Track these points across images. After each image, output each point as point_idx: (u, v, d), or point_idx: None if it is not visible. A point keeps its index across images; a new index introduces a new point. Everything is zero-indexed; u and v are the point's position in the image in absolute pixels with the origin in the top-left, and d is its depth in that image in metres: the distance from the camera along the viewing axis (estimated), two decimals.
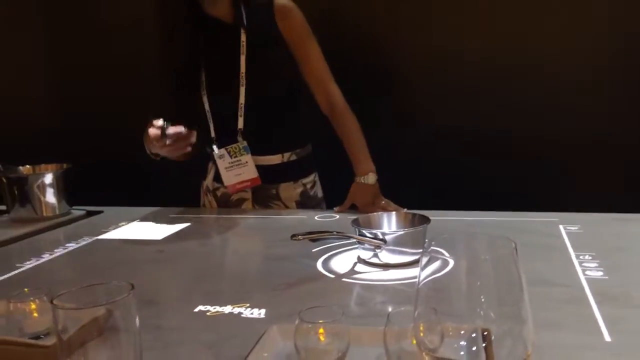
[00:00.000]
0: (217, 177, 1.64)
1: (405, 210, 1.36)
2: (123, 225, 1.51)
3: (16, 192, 1.56)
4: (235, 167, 1.57)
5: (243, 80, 1.51)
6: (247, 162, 1.56)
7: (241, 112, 1.53)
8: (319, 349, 0.65)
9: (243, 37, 1.50)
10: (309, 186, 1.64)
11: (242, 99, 1.52)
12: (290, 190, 1.62)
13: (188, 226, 1.46)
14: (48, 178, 1.58)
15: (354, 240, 1.08)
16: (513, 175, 1.79)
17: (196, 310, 0.89)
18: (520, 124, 1.81)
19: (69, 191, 1.63)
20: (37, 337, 0.77)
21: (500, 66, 1.81)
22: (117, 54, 2.20)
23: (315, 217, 1.48)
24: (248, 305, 0.90)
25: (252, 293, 0.97)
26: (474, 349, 0.48)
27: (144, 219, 1.56)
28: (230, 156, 1.56)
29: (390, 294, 0.96)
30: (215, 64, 1.55)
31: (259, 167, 1.58)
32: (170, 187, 2.12)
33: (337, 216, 1.48)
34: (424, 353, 0.51)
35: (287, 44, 1.52)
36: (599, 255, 1.06)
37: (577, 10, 1.73)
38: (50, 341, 0.72)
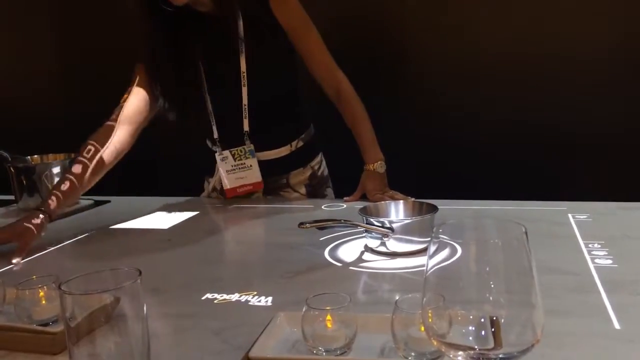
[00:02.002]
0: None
1: (412, 199, 1.36)
2: (131, 214, 1.51)
3: (24, 181, 1.56)
4: (238, 171, 1.53)
5: (245, 80, 1.45)
6: (251, 165, 1.52)
7: (245, 113, 1.48)
8: (327, 336, 0.65)
9: (241, 31, 1.43)
10: (316, 167, 1.63)
11: (245, 100, 1.47)
12: (299, 176, 1.60)
13: (195, 215, 1.47)
14: (56, 168, 1.58)
15: (362, 228, 1.08)
16: (522, 163, 1.78)
17: (203, 298, 0.89)
18: (529, 113, 1.80)
19: None
20: (46, 324, 0.77)
21: (510, 57, 1.79)
22: (127, 42, 2.20)
23: (323, 207, 1.47)
24: (255, 293, 0.90)
25: (259, 281, 0.97)
26: (482, 334, 0.48)
27: (151, 208, 1.57)
28: (234, 159, 1.52)
29: (398, 282, 0.95)
30: (213, 62, 1.48)
31: (269, 162, 1.55)
32: (177, 178, 2.12)
33: (345, 205, 1.47)
34: (432, 339, 0.51)
35: (287, 34, 1.46)
36: (608, 243, 1.05)
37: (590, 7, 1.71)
38: (58, 328, 0.73)
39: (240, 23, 1.44)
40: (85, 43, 2.27)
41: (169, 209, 1.55)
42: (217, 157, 1.55)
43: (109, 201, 1.69)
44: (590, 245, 1.04)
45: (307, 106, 1.62)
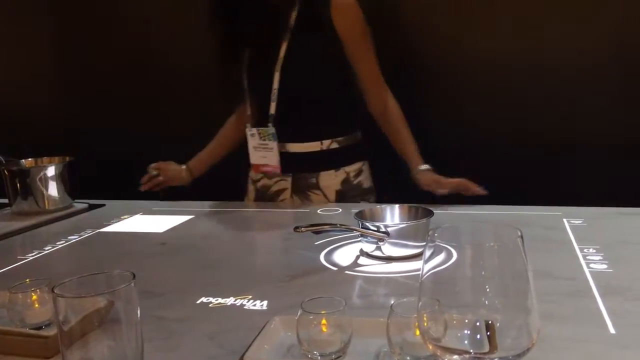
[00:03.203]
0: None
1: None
2: (125, 218, 1.50)
3: (18, 185, 1.55)
4: (262, 150, 1.57)
5: (279, 66, 1.49)
6: (272, 148, 1.55)
7: (274, 97, 1.51)
8: (322, 340, 0.65)
9: (291, 22, 1.48)
10: (352, 174, 1.59)
11: (275, 84, 1.50)
12: (330, 179, 1.57)
13: (190, 219, 1.46)
14: (50, 171, 1.57)
15: (357, 233, 1.08)
16: (516, 168, 1.78)
17: (198, 301, 0.89)
18: (523, 119, 1.80)
19: (71, 184, 1.62)
20: (39, 328, 0.77)
21: (504, 66, 1.79)
22: (122, 49, 2.20)
23: (318, 211, 1.47)
24: (250, 297, 0.89)
25: (254, 285, 0.96)
26: (477, 338, 0.48)
27: (146, 212, 1.56)
28: (260, 138, 1.56)
29: (393, 286, 0.95)
30: (257, 44, 1.53)
31: (297, 155, 1.55)
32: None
33: (340, 210, 1.47)
34: (427, 343, 0.51)
35: (342, 40, 1.48)
36: (603, 248, 1.05)
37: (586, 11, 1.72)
38: (51, 332, 0.72)
39: (294, 14, 1.48)
40: (81, 46, 2.26)
41: (164, 212, 1.54)
42: (247, 132, 1.58)
43: (103, 205, 1.68)
44: (585, 250, 1.04)
45: (355, 114, 1.61)
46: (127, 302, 0.60)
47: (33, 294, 0.78)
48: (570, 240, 1.11)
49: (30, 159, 1.66)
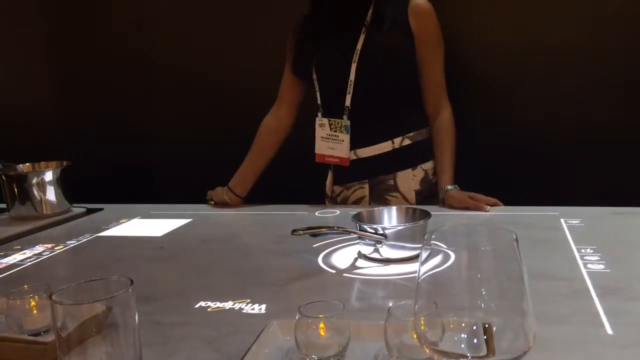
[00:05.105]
0: (336, 181, 1.63)
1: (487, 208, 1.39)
2: (123, 222, 1.50)
3: (16, 190, 1.55)
4: (331, 141, 1.56)
5: (356, 57, 1.49)
6: (343, 140, 1.54)
7: (350, 89, 1.51)
8: (320, 344, 0.65)
9: (368, 18, 1.50)
10: (431, 173, 1.57)
11: (352, 76, 1.50)
12: (408, 179, 1.55)
13: (188, 222, 1.46)
14: (48, 175, 1.57)
15: (355, 235, 1.08)
16: (513, 168, 1.78)
17: (197, 306, 0.89)
18: (519, 117, 1.80)
19: (69, 189, 1.62)
20: (37, 334, 0.76)
21: (498, 65, 1.80)
22: (118, 54, 2.20)
23: (316, 213, 1.47)
24: (249, 300, 0.89)
25: (252, 289, 0.96)
26: (475, 341, 0.48)
27: (144, 215, 1.56)
28: (330, 128, 1.55)
29: (391, 288, 0.95)
30: (333, 35, 1.55)
31: (370, 159, 1.55)
32: (171, 185, 2.12)
33: (338, 212, 1.47)
34: (424, 346, 0.51)
35: (415, 41, 1.51)
36: (600, 248, 1.05)
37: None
38: (49, 338, 0.72)
39: (371, 11, 1.50)
40: (79, 51, 2.26)
41: (162, 216, 1.54)
42: (317, 121, 1.58)
43: (102, 209, 1.68)
44: (582, 251, 1.05)
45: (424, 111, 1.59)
46: (125, 308, 0.60)
47: (31, 300, 0.78)
48: (568, 241, 1.12)
49: (27, 164, 1.66)
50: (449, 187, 1.47)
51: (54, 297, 0.57)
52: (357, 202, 1.60)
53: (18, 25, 2.32)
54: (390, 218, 1.15)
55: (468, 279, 0.48)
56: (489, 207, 1.40)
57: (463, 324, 0.49)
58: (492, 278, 0.48)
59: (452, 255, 0.49)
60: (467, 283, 0.48)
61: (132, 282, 0.60)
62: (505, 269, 0.48)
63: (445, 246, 0.50)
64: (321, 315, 0.66)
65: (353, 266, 1.05)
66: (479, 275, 0.48)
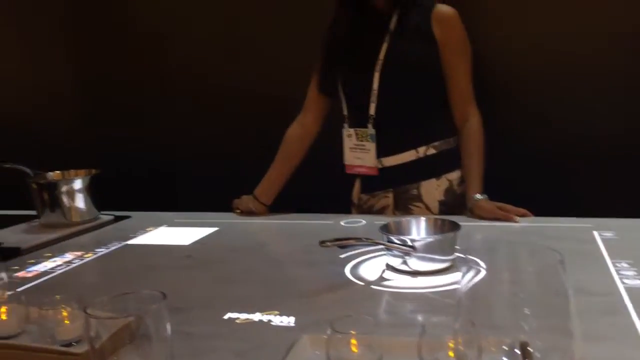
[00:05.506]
0: (362, 189, 1.63)
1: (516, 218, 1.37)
2: (150, 230, 1.51)
3: (46, 197, 1.58)
4: (358, 151, 1.56)
5: (379, 66, 1.49)
6: (369, 149, 1.54)
7: (374, 98, 1.51)
8: None
9: (392, 26, 1.50)
10: (455, 183, 1.55)
11: (375, 85, 1.50)
12: (432, 189, 1.53)
13: (215, 231, 1.47)
14: (77, 184, 1.60)
15: (382, 246, 1.07)
16: (544, 177, 1.75)
17: (225, 317, 0.89)
18: (550, 129, 1.77)
19: (97, 196, 1.64)
20: (69, 345, 0.77)
21: (532, 73, 1.77)
22: (146, 61, 2.23)
23: (342, 222, 1.46)
24: (277, 312, 0.89)
25: (281, 300, 0.96)
26: None
27: (170, 224, 1.57)
28: (357, 138, 1.55)
29: (421, 302, 0.94)
30: (356, 46, 1.54)
31: (394, 168, 1.54)
32: (196, 192, 2.14)
33: (364, 221, 1.46)
34: None
35: (439, 48, 1.49)
36: (637, 262, 1.02)
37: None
38: (81, 349, 0.73)
39: (394, 19, 1.50)
40: (107, 64, 2.29)
41: (188, 224, 1.55)
42: (344, 132, 1.58)
43: (129, 216, 1.69)
44: (618, 265, 1.02)
45: (451, 120, 1.57)
46: (158, 320, 0.60)
47: (63, 311, 0.79)
48: (602, 254, 1.09)
49: (57, 172, 1.69)
50: (478, 196, 1.45)
51: (89, 311, 0.57)
52: (381, 210, 1.59)
53: (45, 37, 2.36)
54: (418, 229, 1.13)
55: (510, 298, 0.47)
56: (518, 218, 1.37)
57: (503, 345, 0.48)
58: (534, 298, 0.46)
59: (492, 274, 0.48)
60: (509, 302, 0.47)
61: (164, 295, 0.60)
62: (549, 289, 0.46)
63: (484, 264, 0.49)
64: (353, 332, 0.65)
65: (381, 278, 1.04)
66: (521, 295, 0.46)
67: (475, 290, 0.49)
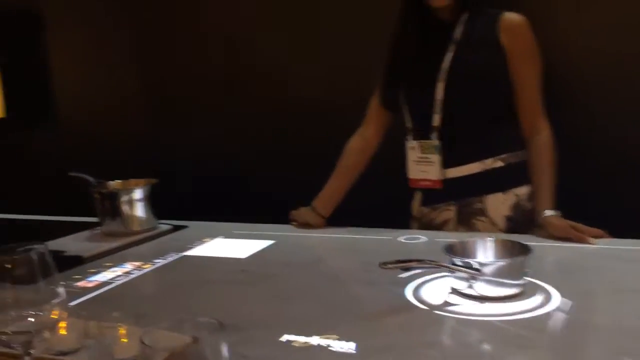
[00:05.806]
0: (423, 202, 1.58)
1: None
2: (207, 241, 1.51)
3: (107, 206, 1.61)
4: (423, 164, 1.52)
5: (444, 76, 1.45)
6: (434, 162, 1.49)
7: (437, 109, 1.47)
8: None
9: (457, 36, 1.46)
10: (524, 198, 1.48)
11: (439, 95, 1.46)
12: (498, 203, 1.47)
13: (272, 244, 1.44)
14: (137, 193, 1.62)
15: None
16: (620, 195, 1.64)
17: (282, 339, 0.86)
18: (627, 140, 1.66)
19: (156, 206, 1.66)
20: None
21: (588, 75, 1.67)
22: (209, 70, 2.25)
23: (401, 239, 1.41)
24: (337, 337, 0.85)
25: (339, 322, 0.92)
26: None
27: (227, 235, 1.56)
28: (421, 151, 1.51)
29: (489, 331, 0.88)
30: (419, 58, 1.51)
31: (459, 180, 1.48)
32: (253, 203, 2.13)
33: (425, 238, 1.41)
34: None
35: (507, 57, 1.44)
36: None
37: None
38: None
39: (459, 29, 1.46)
40: (170, 70, 2.34)
41: (245, 236, 1.54)
42: (407, 145, 1.55)
43: (186, 226, 1.70)
44: None
45: (519, 132, 1.50)
46: (214, 348, 0.58)
47: (121, 329, 0.78)
48: None
49: (118, 181, 1.72)
50: (549, 212, 1.36)
51: (146, 342, 0.55)
52: (443, 224, 1.53)
53: (110, 47, 2.43)
54: (485, 251, 1.07)
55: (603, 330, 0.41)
56: (594, 240, 1.28)
57: None
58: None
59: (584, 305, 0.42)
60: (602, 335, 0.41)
61: (221, 324, 0.58)
62: None
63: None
64: None
65: (446, 302, 0.98)
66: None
67: (571, 322, 0.44)
